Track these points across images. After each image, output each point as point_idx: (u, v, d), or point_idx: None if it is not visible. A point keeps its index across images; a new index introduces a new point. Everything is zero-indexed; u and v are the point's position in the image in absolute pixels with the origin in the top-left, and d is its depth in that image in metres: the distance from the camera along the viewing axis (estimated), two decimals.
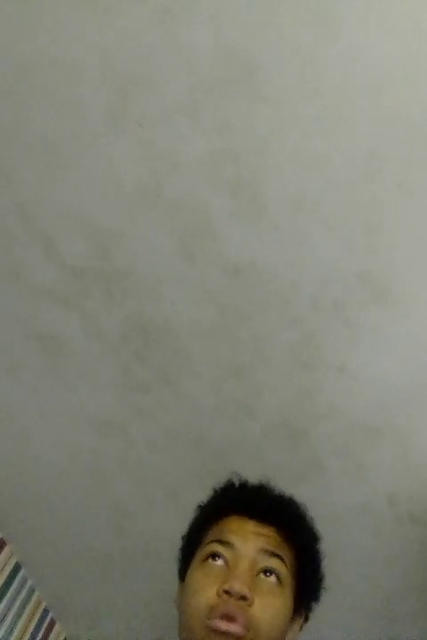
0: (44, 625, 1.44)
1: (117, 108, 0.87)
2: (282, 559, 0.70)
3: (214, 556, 0.70)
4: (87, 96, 0.86)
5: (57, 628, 1.48)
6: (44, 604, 1.45)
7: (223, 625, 0.62)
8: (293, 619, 0.72)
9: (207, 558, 0.71)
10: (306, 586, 0.74)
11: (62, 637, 1.50)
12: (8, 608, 1.32)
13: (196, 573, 0.71)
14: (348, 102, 0.81)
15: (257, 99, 0.83)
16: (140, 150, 0.89)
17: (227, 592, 0.65)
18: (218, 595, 0.65)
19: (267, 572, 0.69)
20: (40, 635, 1.42)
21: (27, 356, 1.11)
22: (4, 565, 1.34)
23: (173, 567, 1.32)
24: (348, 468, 1.12)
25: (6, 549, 1.35)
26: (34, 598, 1.42)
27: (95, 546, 1.33)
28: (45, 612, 1.45)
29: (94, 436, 1.18)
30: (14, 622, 1.33)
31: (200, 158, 0.89)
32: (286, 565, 0.71)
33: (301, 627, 0.76)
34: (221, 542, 0.71)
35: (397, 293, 0.95)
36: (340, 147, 0.85)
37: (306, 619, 0.77)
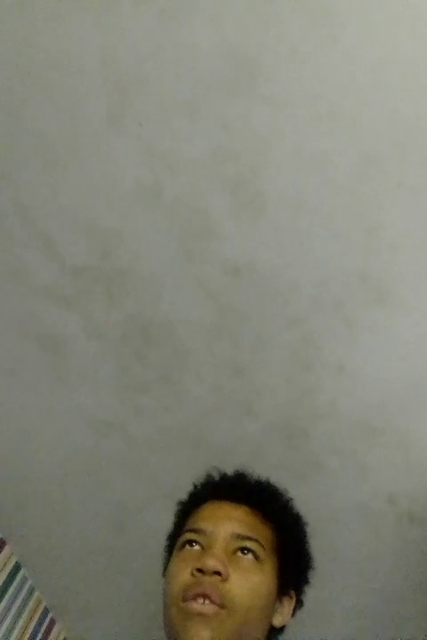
0: (44, 624, 1.44)
1: (117, 107, 0.87)
2: (256, 540, 0.69)
3: (190, 542, 0.70)
4: (87, 96, 0.86)
5: (57, 627, 1.48)
6: (43, 604, 1.45)
7: (197, 606, 0.61)
8: (280, 600, 0.71)
9: (183, 547, 0.70)
10: (289, 564, 0.73)
11: (62, 637, 1.50)
12: (8, 608, 1.32)
13: (172, 562, 0.70)
14: (348, 102, 0.82)
15: (257, 99, 0.83)
16: (140, 150, 0.89)
17: (200, 570, 0.64)
18: (192, 574, 0.65)
19: (243, 550, 0.68)
20: (40, 634, 1.42)
21: (27, 356, 1.11)
22: (4, 565, 1.34)
23: None
24: (348, 468, 1.12)
25: (6, 549, 1.35)
26: (34, 598, 1.42)
27: (95, 546, 1.33)
28: (45, 611, 1.45)
29: (94, 435, 1.18)
30: (14, 622, 1.33)
31: (200, 158, 0.89)
32: (261, 545, 0.69)
33: (293, 611, 0.74)
34: (194, 530, 0.71)
35: (396, 293, 0.95)
36: (340, 147, 0.85)
37: (299, 603, 0.76)
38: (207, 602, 0.61)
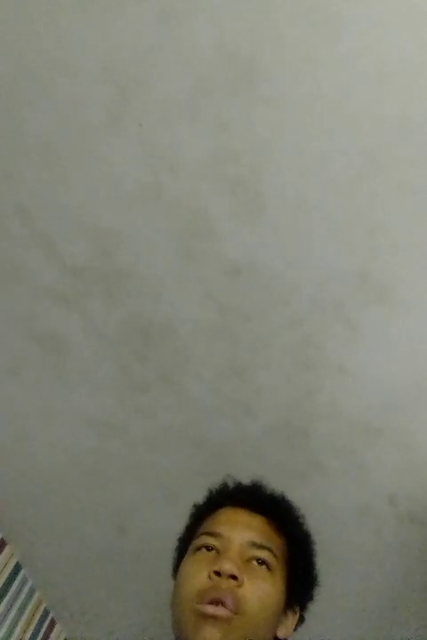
0: (45, 625, 1.44)
1: (118, 108, 0.87)
2: (271, 550, 0.71)
3: (206, 546, 0.71)
4: (87, 96, 0.86)
5: (57, 628, 1.48)
6: (44, 605, 1.45)
7: (211, 609, 0.62)
8: (285, 613, 0.72)
9: (198, 549, 0.71)
10: (297, 576, 0.74)
11: (62, 637, 1.50)
12: (8, 608, 1.32)
13: (187, 563, 0.71)
14: (348, 102, 0.82)
15: (257, 99, 0.83)
16: (141, 150, 0.89)
17: (217, 573, 0.65)
18: (209, 577, 0.66)
19: (256, 560, 0.69)
20: (40, 635, 1.42)
21: (27, 356, 1.11)
22: (5, 566, 1.34)
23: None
24: (348, 468, 1.12)
25: (7, 550, 1.35)
26: (34, 598, 1.42)
27: (95, 546, 1.33)
28: (46, 612, 1.45)
29: (94, 435, 1.18)
30: (15, 622, 1.33)
31: (200, 158, 0.89)
32: (275, 556, 0.71)
33: (295, 626, 0.75)
34: (211, 534, 0.72)
35: (397, 293, 0.95)
36: (340, 147, 0.85)
37: (301, 619, 0.77)
38: (221, 606, 0.63)
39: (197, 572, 0.67)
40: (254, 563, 0.69)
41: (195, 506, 0.84)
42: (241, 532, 0.71)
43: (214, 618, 0.62)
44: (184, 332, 1.04)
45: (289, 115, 0.83)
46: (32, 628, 1.39)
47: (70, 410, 1.16)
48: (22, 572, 1.39)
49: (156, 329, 1.05)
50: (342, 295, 0.96)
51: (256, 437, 1.12)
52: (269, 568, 0.69)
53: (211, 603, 0.63)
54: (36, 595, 1.42)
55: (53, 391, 1.14)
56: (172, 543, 1.30)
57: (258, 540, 0.71)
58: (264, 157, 0.87)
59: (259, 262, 0.96)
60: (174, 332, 1.05)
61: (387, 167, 0.85)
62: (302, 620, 0.77)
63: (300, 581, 0.74)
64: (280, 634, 0.71)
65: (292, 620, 0.74)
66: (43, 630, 1.43)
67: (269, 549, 0.70)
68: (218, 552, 0.69)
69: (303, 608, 0.77)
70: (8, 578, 1.34)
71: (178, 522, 1.23)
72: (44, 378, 1.13)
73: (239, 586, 0.65)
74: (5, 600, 1.32)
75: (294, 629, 0.75)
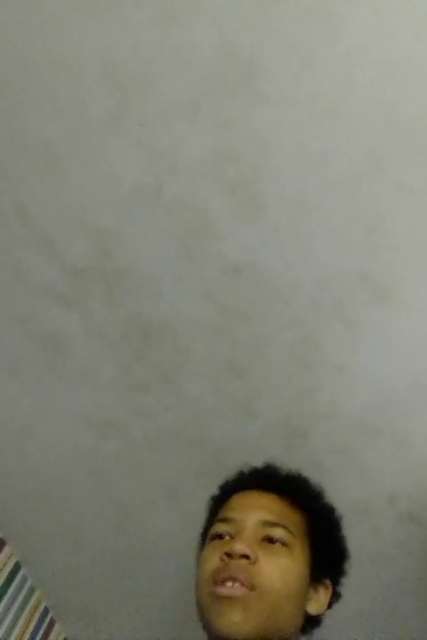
0: (44, 624, 1.44)
1: (118, 108, 0.87)
2: (285, 527, 0.70)
3: (219, 535, 0.71)
4: (87, 96, 0.86)
5: (57, 627, 1.48)
6: (43, 604, 1.45)
7: (225, 590, 0.62)
8: (315, 588, 0.71)
9: (213, 539, 0.72)
10: (321, 550, 0.73)
11: (62, 637, 1.50)
12: (8, 607, 1.32)
13: (203, 552, 0.72)
14: (348, 102, 0.81)
15: (257, 99, 0.83)
16: (141, 150, 0.89)
17: (228, 554, 0.65)
18: (221, 559, 0.66)
19: (270, 539, 0.69)
20: (40, 634, 1.42)
21: (27, 356, 1.11)
22: (4, 565, 1.34)
23: (172, 566, 1.32)
24: (348, 468, 1.12)
25: (6, 549, 1.35)
26: (34, 598, 1.42)
27: (95, 545, 1.33)
28: (45, 611, 1.45)
29: (94, 435, 1.18)
30: (14, 621, 1.33)
31: (200, 158, 0.89)
32: (290, 532, 0.70)
33: (329, 602, 0.74)
34: (224, 520, 0.73)
35: (397, 293, 0.95)
36: (340, 146, 0.85)
37: (336, 595, 0.76)
38: (236, 584, 0.63)
39: (211, 557, 0.68)
40: (268, 542, 0.68)
41: (211, 497, 0.85)
42: (252, 513, 0.71)
43: (230, 599, 0.62)
44: (184, 331, 1.04)
45: (289, 114, 0.83)
46: (31, 627, 1.39)
47: (70, 409, 1.16)
48: (22, 572, 1.39)
49: (155, 329, 1.05)
50: (343, 295, 0.96)
51: (256, 437, 1.12)
52: (285, 544, 0.69)
53: (224, 582, 0.63)
54: (36, 594, 1.42)
55: (53, 391, 1.14)
56: (172, 543, 1.30)
57: (270, 518, 0.70)
58: (264, 157, 0.87)
59: (259, 262, 0.96)
60: (174, 332, 1.05)
61: (387, 167, 0.85)
62: (336, 595, 0.77)
63: (325, 555, 0.74)
64: (312, 610, 0.71)
65: (324, 595, 0.73)
66: (42, 629, 1.43)
67: (282, 526, 0.70)
68: (232, 537, 0.70)
69: (336, 583, 0.77)
70: (8, 577, 1.34)
71: (178, 521, 1.23)
72: (44, 377, 1.13)
73: (253, 564, 0.65)
74: (5, 599, 1.32)
75: (329, 606, 0.74)
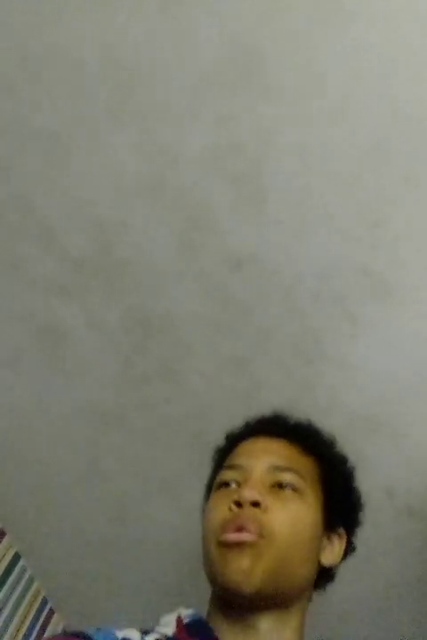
0: (43, 614, 1.45)
1: (119, 99, 0.86)
2: (296, 472, 0.66)
3: (226, 483, 0.67)
4: (89, 87, 0.85)
5: (56, 617, 1.49)
6: (43, 594, 1.46)
7: (233, 536, 0.59)
8: (329, 537, 0.68)
9: (220, 487, 0.68)
10: (335, 497, 0.69)
11: (61, 626, 1.51)
12: (7, 597, 1.33)
13: (209, 502, 0.68)
14: (353, 95, 0.81)
15: (261, 92, 0.82)
16: (142, 142, 0.89)
17: (237, 503, 0.62)
18: (230, 509, 0.62)
19: (280, 485, 0.65)
20: (39, 624, 1.43)
21: (27, 348, 1.11)
22: (4, 555, 1.35)
23: (171, 558, 1.33)
24: None
25: (6, 539, 1.35)
26: (33, 588, 1.42)
27: (94, 536, 1.33)
28: (44, 601, 1.46)
29: (94, 428, 1.18)
30: (13, 611, 1.34)
31: (202, 151, 0.88)
32: (301, 477, 0.66)
33: (344, 552, 0.71)
34: (230, 467, 0.69)
35: (398, 288, 0.95)
36: (345, 140, 0.84)
37: (351, 546, 0.73)
38: (244, 533, 0.59)
39: (219, 507, 0.64)
40: (277, 488, 0.64)
41: (216, 448, 0.81)
42: (261, 458, 0.67)
43: (239, 545, 0.58)
44: (185, 324, 1.04)
45: (293, 108, 0.83)
46: (31, 616, 1.40)
47: (70, 402, 1.16)
48: (21, 562, 1.40)
49: (156, 321, 1.05)
50: (344, 289, 0.96)
51: None
52: (296, 490, 0.65)
53: (233, 530, 0.59)
54: (35, 584, 1.43)
55: (53, 383, 1.14)
56: (170, 534, 1.31)
57: (280, 462, 0.66)
58: (267, 151, 0.87)
59: (260, 256, 0.96)
60: (175, 325, 1.04)
61: (393, 161, 0.84)
62: (351, 546, 0.73)
63: (338, 502, 0.70)
64: (325, 560, 0.67)
65: (338, 545, 0.70)
66: (41, 619, 1.44)
67: (293, 471, 0.66)
68: (239, 485, 0.66)
69: (351, 532, 0.73)
70: (7, 567, 1.35)
71: (177, 514, 1.23)
72: (44, 369, 1.13)
73: (264, 511, 0.61)
74: (4, 589, 1.33)
75: (344, 557, 0.71)
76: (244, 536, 0.59)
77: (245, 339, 1.03)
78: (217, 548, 0.60)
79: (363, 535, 1.18)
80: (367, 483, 1.15)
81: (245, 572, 0.57)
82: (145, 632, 0.61)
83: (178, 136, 0.87)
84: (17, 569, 1.38)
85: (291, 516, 0.62)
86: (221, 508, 0.63)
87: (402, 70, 0.78)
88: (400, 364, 1.01)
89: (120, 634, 0.58)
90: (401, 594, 1.22)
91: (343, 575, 1.19)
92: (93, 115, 0.87)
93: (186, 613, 0.64)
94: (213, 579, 0.61)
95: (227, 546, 0.59)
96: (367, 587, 1.23)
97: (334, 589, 1.23)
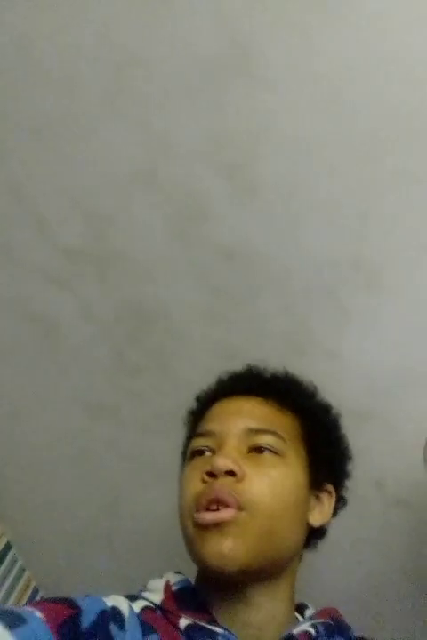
0: None
1: (114, 89, 0.86)
2: (274, 433, 0.61)
3: (199, 451, 0.62)
4: (84, 77, 0.85)
5: None
6: (33, 584, 1.46)
7: (209, 515, 0.54)
8: (317, 497, 0.64)
9: (193, 457, 0.63)
10: (319, 453, 0.65)
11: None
12: None
13: (182, 474, 0.64)
14: (346, 87, 0.81)
15: (255, 82, 0.83)
16: (137, 132, 0.89)
17: (210, 473, 0.57)
18: (203, 481, 0.57)
19: (258, 449, 0.60)
20: None
21: (19, 338, 1.10)
22: None
23: (164, 549, 1.33)
24: None
25: None
26: (24, 578, 1.42)
27: (86, 527, 1.34)
28: (35, 591, 1.46)
29: (87, 418, 1.18)
30: (4, 601, 1.34)
31: (196, 142, 0.88)
32: (280, 437, 0.61)
33: (334, 509, 0.67)
34: (202, 434, 0.64)
35: (389, 280, 0.96)
36: (338, 132, 0.85)
37: (341, 500, 0.69)
38: (220, 510, 0.54)
39: (192, 479, 0.59)
40: (254, 453, 0.60)
41: (188, 411, 0.76)
42: (234, 421, 0.62)
43: (217, 525, 0.53)
44: (178, 315, 1.05)
45: (287, 99, 0.83)
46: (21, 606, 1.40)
47: (62, 391, 1.16)
48: (12, 551, 1.39)
49: (149, 312, 1.05)
50: (335, 281, 0.97)
51: None
52: (275, 452, 0.60)
53: (208, 506, 0.54)
54: (26, 574, 1.43)
55: (46, 373, 1.14)
56: (163, 526, 1.31)
57: (255, 424, 0.61)
58: (261, 142, 0.87)
59: (253, 247, 0.96)
60: (168, 316, 1.05)
61: (386, 153, 0.85)
62: (342, 501, 0.70)
63: (324, 457, 0.66)
64: (315, 521, 0.63)
65: (328, 502, 0.66)
66: None
67: (271, 432, 0.61)
68: (213, 452, 0.61)
69: (340, 486, 0.69)
70: None
71: (170, 505, 1.23)
72: (36, 359, 1.13)
73: (240, 480, 0.56)
74: None
75: (334, 514, 0.67)
76: (221, 514, 0.53)
77: (237, 329, 1.04)
78: (193, 528, 0.56)
79: (351, 526, 1.20)
80: (356, 473, 1.17)
81: (227, 555, 0.52)
82: (132, 598, 0.58)
83: (172, 126, 0.88)
84: (8, 559, 1.38)
85: (272, 483, 0.57)
86: (195, 480, 0.59)
87: (395, 63, 0.79)
88: (391, 355, 1.02)
89: (109, 602, 0.55)
90: (389, 584, 1.24)
91: (331, 565, 1.21)
92: (88, 103, 0.87)
93: (175, 580, 0.62)
94: (194, 558, 0.58)
95: (204, 527, 0.54)
96: (355, 577, 1.24)
97: (321, 580, 1.24)
